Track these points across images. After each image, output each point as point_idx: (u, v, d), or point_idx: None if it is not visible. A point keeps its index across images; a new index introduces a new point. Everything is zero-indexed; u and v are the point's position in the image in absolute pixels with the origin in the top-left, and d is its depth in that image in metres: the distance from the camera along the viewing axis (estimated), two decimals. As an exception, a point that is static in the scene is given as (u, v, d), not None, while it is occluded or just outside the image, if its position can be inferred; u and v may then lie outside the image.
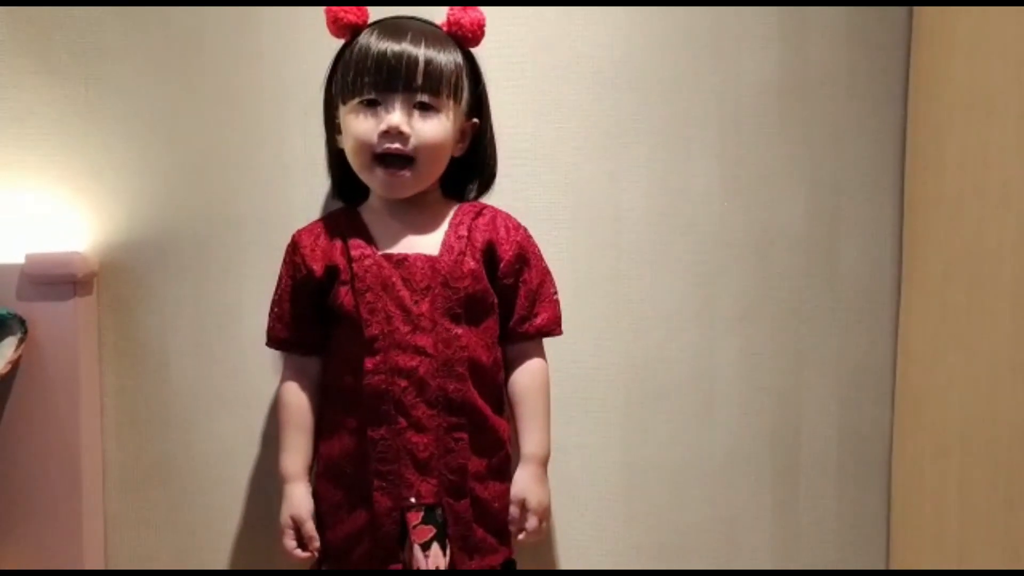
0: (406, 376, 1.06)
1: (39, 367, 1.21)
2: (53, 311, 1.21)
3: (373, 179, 1.10)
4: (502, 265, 1.13)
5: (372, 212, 1.16)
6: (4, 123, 1.26)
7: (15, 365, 1.19)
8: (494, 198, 1.22)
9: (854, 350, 1.35)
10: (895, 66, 1.33)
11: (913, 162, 1.31)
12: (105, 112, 1.27)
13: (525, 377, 1.16)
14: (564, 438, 1.29)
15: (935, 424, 1.23)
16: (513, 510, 1.12)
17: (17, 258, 1.20)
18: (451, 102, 1.09)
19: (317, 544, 1.10)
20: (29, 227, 1.27)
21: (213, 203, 1.28)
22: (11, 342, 1.18)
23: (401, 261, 1.09)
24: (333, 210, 1.21)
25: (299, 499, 1.11)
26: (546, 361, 1.18)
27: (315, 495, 1.13)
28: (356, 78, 1.07)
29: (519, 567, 1.18)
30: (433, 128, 1.08)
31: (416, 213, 1.14)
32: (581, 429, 1.33)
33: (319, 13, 1.11)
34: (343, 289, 1.09)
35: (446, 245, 1.11)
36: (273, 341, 1.16)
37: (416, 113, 1.07)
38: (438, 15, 1.14)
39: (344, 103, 1.10)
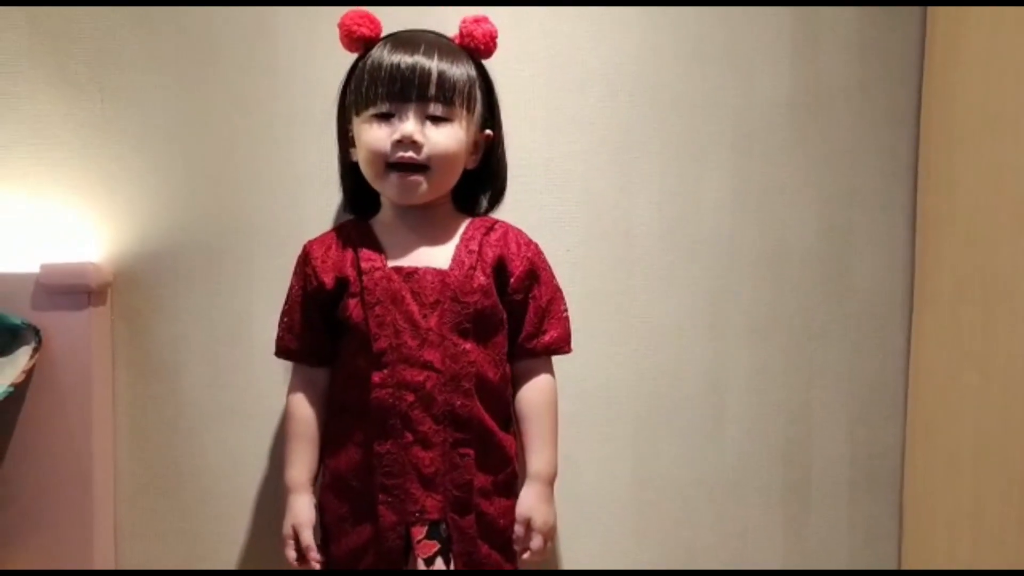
0: (413, 391, 1.06)
1: (53, 377, 1.21)
2: (67, 321, 1.21)
3: (387, 185, 1.10)
4: (512, 281, 1.13)
5: (383, 224, 1.16)
6: (20, 134, 1.28)
7: (29, 374, 1.20)
8: (504, 212, 1.22)
9: (866, 366, 1.34)
10: (907, 82, 1.33)
11: (926, 177, 1.30)
12: (120, 124, 1.28)
13: (533, 394, 1.15)
14: (574, 453, 1.29)
15: (948, 441, 1.22)
16: (518, 529, 1.11)
17: (32, 268, 1.21)
18: (464, 112, 1.09)
19: (315, 555, 1.10)
20: (44, 237, 1.28)
21: (226, 215, 1.29)
22: (25, 351, 1.19)
23: (411, 274, 1.09)
24: (344, 221, 1.21)
25: (299, 509, 1.11)
26: (554, 378, 1.18)
27: (320, 507, 1.13)
28: (369, 89, 1.07)
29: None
30: (446, 137, 1.08)
31: (427, 226, 1.14)
32: (591, 444, 1.32)
33: (333, 27, 1.12)
34: (352, 301, 1.09)
35: (457, 259, 1.11)
36: (282, 352, 1.16)
37: (429, 123, 1.07)
38: (451, 25, 1.14)
39: (358, 114, 1.10)
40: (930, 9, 1.30)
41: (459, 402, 1.07)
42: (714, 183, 1.32)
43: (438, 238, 1.13)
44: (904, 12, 1.32)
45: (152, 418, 1.30)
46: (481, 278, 1.10)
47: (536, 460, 1.13)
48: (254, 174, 1.29)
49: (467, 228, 1.15)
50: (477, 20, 1.13)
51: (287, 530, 1.11)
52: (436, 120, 1.08)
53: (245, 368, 1.30)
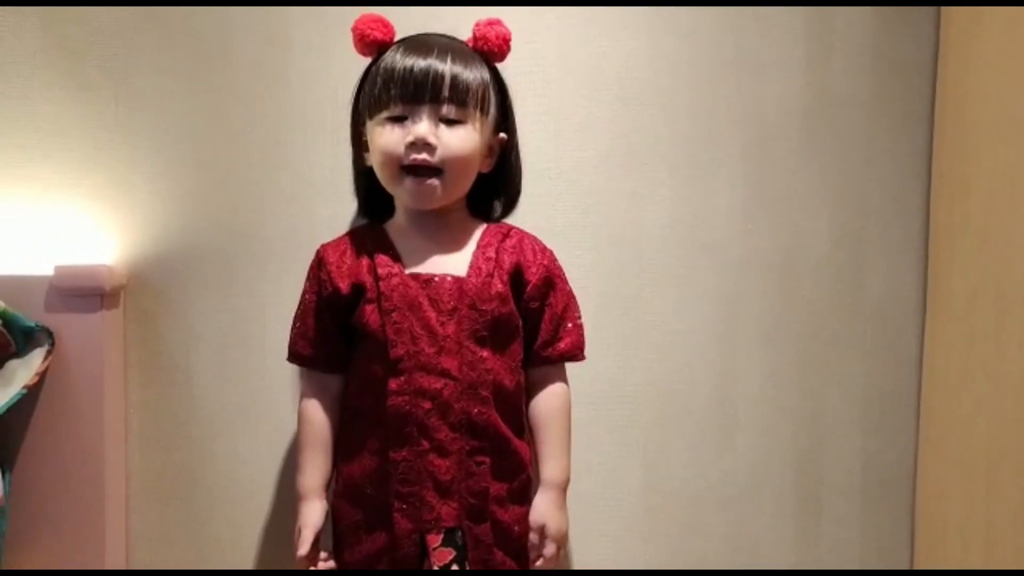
0: (430, 398, 1.06)
1: (66, 379, 1.22)
2: (80, 323, 1.22)
3: (401, 189, 1.10)
4: (528, 288, 1.12)
5: (398, 229, 1.15)
6: (35, 137, 1.28)
7: (42, 376, 1.20)
8: (516, 218, 1.22)
9: (878, 374, 1.34)
10: (921, 88, 1.32)
11: (939, 185, 1.30)
12: (134, 128, 1.29)
13: (547, 401, 1.15)
14: (585, 459, 1.29)
15: (960, 449, 1.21)
16: (532, 536, 1.10)
17: (46, 270, 1.22)
18: (478, 115, 1.09)
19: (304, 551, 1.08)
20: (58, 240, 1.28)
21: (239, 218, 1.30)
22: (39, 353, 1.19)
23: (428, 281, 1.08)
24: (358, 226, 1.21)
25: (307, 513, 1.11)
26: (568, 385, 1.17)
27: (334, 514, 1.12)
28: (382, 92, 1.07)
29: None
30: (460, 139, 1.07)
31: (442, 231, 1.13)
32: (602, 450, 1.32)
33: (347, 31, 1.12)
34: (369, 307, 1.08)
35: (474, 266, 1.10)
36: (295, 357, 1.15)
37: (442, 126, 1.07)
38: (464, 27, 1.14)
39: (371, 118, 1.10)
40: (944, 9, 1.29)
41: (476, 410, 1.07)
42: (726, 189, 1.32)
43: (454, 244, 1.13)
44: (918, 13, 1.31)
45: (164, 420, 1.31)
46: (499, 285, 1.10)
47: (550, 467, 1.13)
48: (267, 177, 1.30)
49: (483, 235, 1.15)
50: (491, 23, 1.13)
51: (296, 534, 1.11)
52: (450, 123, 1.07)
53: (257, 370, 1.30)
